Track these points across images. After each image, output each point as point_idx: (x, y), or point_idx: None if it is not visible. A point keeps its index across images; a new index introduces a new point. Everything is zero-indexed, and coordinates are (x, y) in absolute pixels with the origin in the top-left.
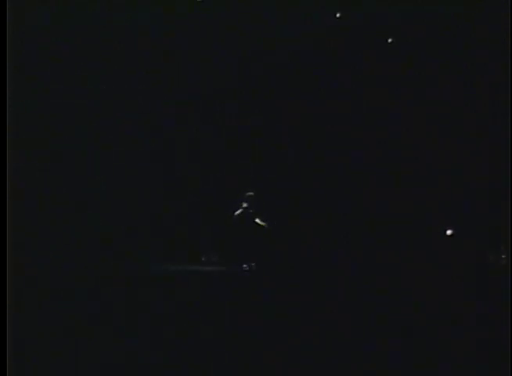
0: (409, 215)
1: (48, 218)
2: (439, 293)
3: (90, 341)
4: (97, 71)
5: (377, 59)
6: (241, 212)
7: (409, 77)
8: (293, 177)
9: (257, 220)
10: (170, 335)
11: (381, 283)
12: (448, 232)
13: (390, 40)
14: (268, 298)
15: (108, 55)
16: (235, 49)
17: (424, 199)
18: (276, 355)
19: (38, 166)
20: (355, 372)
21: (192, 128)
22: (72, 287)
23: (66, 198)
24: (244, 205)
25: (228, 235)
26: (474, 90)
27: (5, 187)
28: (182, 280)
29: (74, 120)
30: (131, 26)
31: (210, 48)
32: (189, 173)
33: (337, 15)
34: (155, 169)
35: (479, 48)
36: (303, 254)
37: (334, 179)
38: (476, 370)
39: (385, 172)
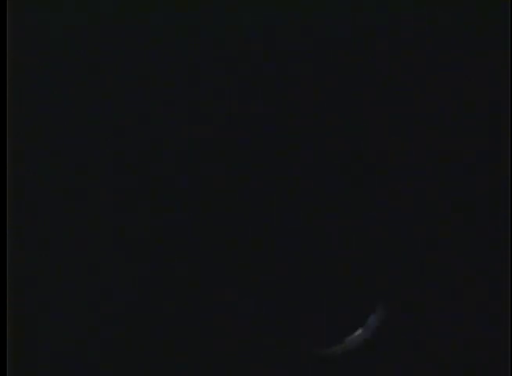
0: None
1: (49, 219)
2: (439, 292)
3: (91, 342)
4: (94, 71)
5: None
6: None
7: (410, 76)
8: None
9: None
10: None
11: (381, 283)
12: None
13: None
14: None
15: (106, 55)
16: (234, 47)
17: (425, 197)
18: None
19: (39, 166)
20: (355, 371)
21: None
22: (74, 288)
23: (71, 200)
24: None
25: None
26: (475, 90)
27: (5, 188)
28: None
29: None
30: (131, 24)
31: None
32: (190, 174)
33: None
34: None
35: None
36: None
37: (333, 179)
38: (476, 370)
39: (386, 171)
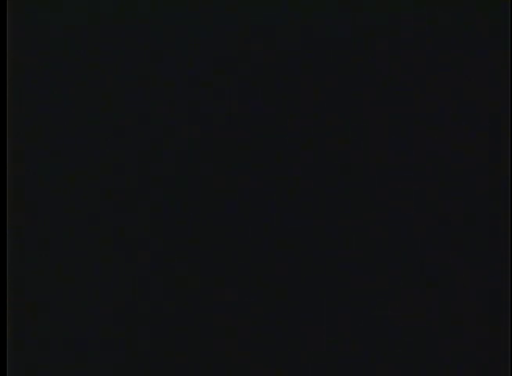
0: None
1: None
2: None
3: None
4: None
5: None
6: None
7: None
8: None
9: None
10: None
11: (380, 282)
12: None
13: None
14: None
15: (106, 55)
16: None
17: (424, 196)
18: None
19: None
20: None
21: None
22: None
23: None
24: None
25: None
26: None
27: (5, 188)
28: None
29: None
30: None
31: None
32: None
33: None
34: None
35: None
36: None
37: (333, 179)
38: (476, 371)
39: (385, 172)
